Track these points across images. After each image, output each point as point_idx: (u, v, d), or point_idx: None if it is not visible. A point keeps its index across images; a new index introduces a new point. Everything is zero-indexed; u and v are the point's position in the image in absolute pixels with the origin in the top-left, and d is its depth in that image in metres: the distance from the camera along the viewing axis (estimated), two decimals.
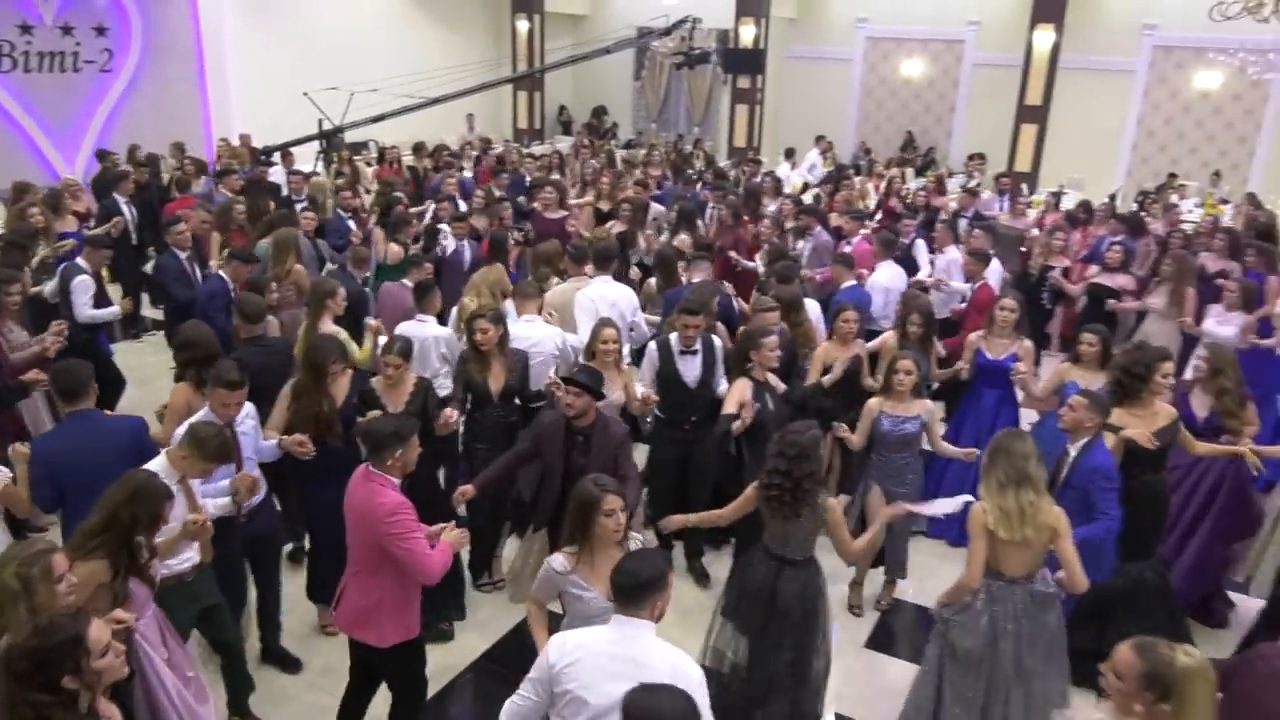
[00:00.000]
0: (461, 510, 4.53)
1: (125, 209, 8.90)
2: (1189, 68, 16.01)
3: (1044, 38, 15.44)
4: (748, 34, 17.06)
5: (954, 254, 8.21)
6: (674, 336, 5.36)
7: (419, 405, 4.70)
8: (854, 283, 7.13)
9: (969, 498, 3.98)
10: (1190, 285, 7.34)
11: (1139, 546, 4.60)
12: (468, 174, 12.50)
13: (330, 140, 12.97)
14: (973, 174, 15.93)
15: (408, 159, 13.20)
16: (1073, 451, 4.31)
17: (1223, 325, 6.74)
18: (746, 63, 17.25)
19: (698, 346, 5.30)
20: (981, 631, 3.73)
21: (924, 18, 17.79)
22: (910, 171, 16.76)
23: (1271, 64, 11.47)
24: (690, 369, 5.29)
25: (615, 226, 9.02)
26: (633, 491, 4.09)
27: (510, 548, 5.36)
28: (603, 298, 6.10)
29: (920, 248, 8.62)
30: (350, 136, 13.84)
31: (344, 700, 3.97)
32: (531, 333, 5.57)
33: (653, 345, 5.46)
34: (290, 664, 4.66)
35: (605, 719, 2.62)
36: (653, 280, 7.21)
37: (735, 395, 4.91)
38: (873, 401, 5.01)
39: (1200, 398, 5.14)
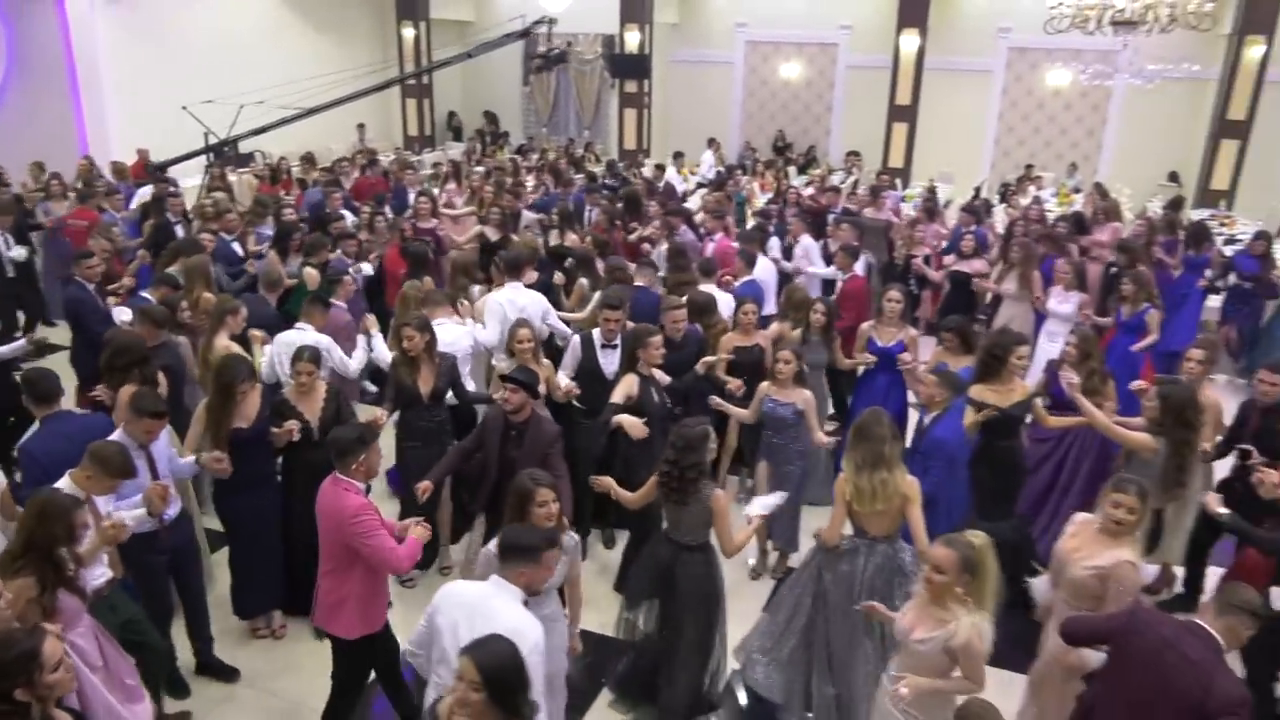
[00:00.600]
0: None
1: None
2: (1041, 67, 17.25)
3: (909, 41, 16.36)
4: (633, 39, 17.50)
5: (808, 241, 8.79)
6: (596, 331, 5.79)
7: (333, 411, 4.92)
8: (751, 277, 7.62)
9: (783, 494, 4.58)
10: (1036, 269, 8.09)
11: (997, 505, 5.19)
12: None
13: (220, 155, 12.75)
14: (852, 170, 16.86)
15: (298, 171, 13.13)
16: (926, 421, 4.87)
17: (1063, 304, 7.51)
18: (632, 67, 17.69)
19: (618, 341, 5.70)
20: (842, 575, 4.22)
21: (799, 22, 18.58)
22: (793, 170, 17.53)
23: (1105, 72, 12.50)
24: (610, 362, 5.72)
25: (488, 233, 9.26)
26: (565, 487, 4.36)
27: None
28: (511, 303, 6.38)
29: (772, 242, 9.08)
30: (244, 148, 13.65)
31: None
32: (444, 335, 5.85)
33: (576, 339, 5.89)
34: (226, 673, 4.80)
35: (450, 655, 3.02)
36: (584, 281, 7.49)
37: (623, 389, 5.27)
38: (764, 385, 5.49)
39: (1067, 375, 5.77)
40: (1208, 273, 9.20)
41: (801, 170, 17.55)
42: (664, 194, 11.90)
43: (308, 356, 4.90)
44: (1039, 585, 4.05)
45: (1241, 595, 3.07)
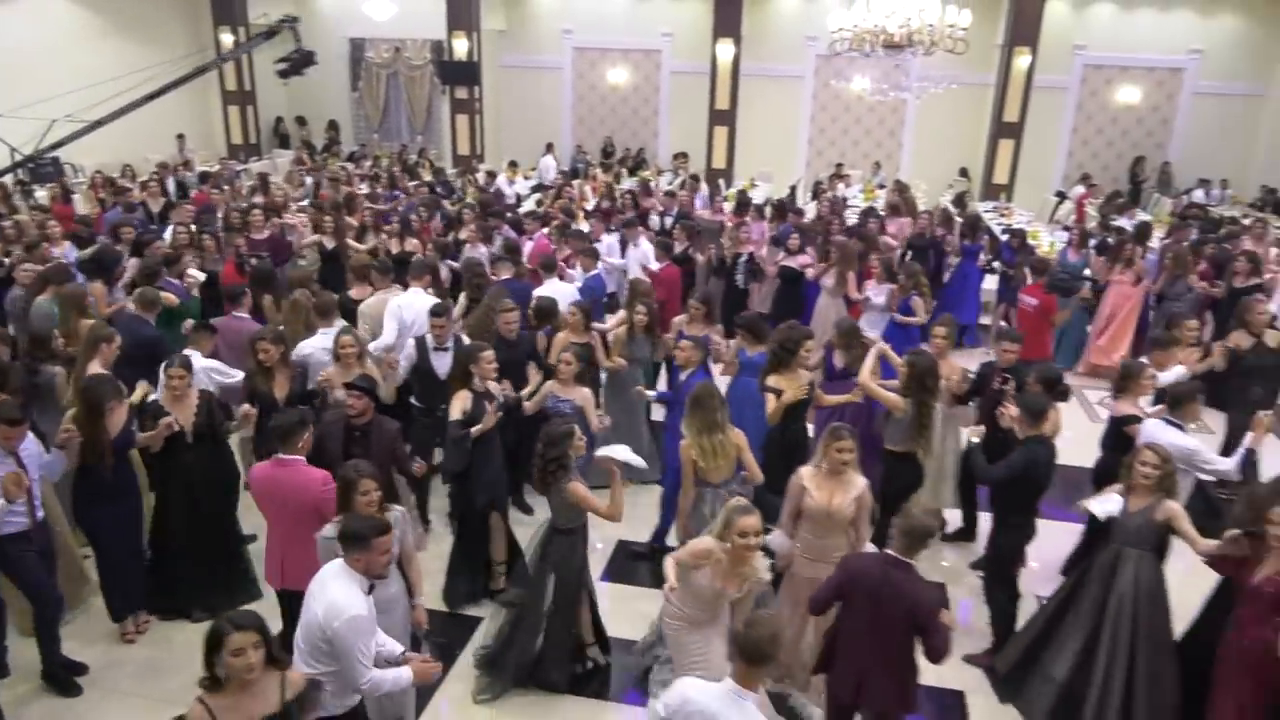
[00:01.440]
0: None
1: None
2: (845, 74, 18.66)
3: (725, 50, 17.37)
4: (461, 46, 17.71)
5: (645, 245, 9.52)
6: (429, 335, 6.27)
7: (205, 414, 5.31)
8: (596, 271, 8.35)
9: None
10: (852, 268, 9.04)
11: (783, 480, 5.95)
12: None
13: (35, 171, 12.19)
14: (679, 172, 17.75)
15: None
16: (683, 376, 6.06)
17: (877, 295, 8.49)
18: (462, 74, 17.92)
19: (449, 344, 6.23)
20: (704, 518, 4.89)
21: (623, 29, 19.34)
22: (624, 172, 18.28)
23: (899, 82, 13.82)
24: (443, 363, 6.21)
25: (325, 241, 9.49)
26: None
27: None
28: (410, 306, 6.87)
29: (606, 244, 9.77)
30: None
31: None
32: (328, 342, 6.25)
33: (411, 342, 6.37)
34: (75, 669, 4.97)
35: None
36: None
37: (457, 405, 5.50)
38: (549, 384, 6.06)
39: (844, 355, 6.63)
40: (982, 257, 10.58)
41: (632, 173, 18.31)
42: (491, 199, 12.32)
43: (179, 363, 5.25)
44: (776, 540, 4.76)
45: (907, 522, 3.83)
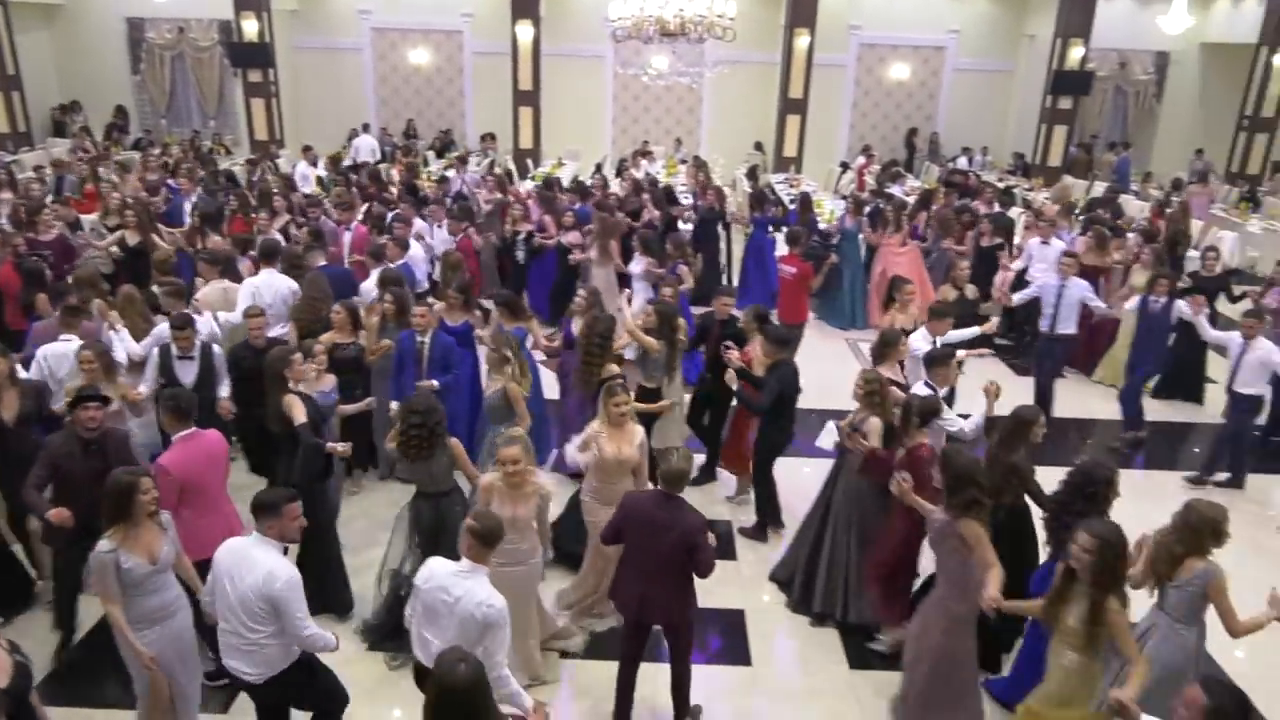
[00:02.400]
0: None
1: None
2: (644, 54, 19.28)
3: (525, 31, 17.60)
4: (250, 27, 17.09)
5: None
6: (173, 345, 6.08)
7: (31, 406, 5.41)
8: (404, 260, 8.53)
9: None
10: (614, 239, 9.58)
11: None
12: None
13: None
14: (488, 152, 17.95)
15: None
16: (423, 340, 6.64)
17: (636, 265, 9.13)
18: (254, 56, 17.30)
19: (195, 353, 6.10)
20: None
21: (422, 9, 19.20)
22: (432, 154, 18.28)
23: (694, 61, 14.54)
24: (187, 373, 6.05)
25: (128, 236, 9.14)
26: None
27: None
28: (268, 285, 7.25)
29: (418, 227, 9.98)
30: None
31: None
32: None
33: (155, 351, 6.13)
34: None
35: (230, 597, 3.78)
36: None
37: (297, 414, 5.38)
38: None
39: (579, 322, 6.97)
40: (779, 231, 11.47)
41: (439, 154, 18.33)
42: (289, 186, 12.16)
43: None
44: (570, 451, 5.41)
45: (667, 468, 4.43)
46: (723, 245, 12.04)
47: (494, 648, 3.65)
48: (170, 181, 12.24)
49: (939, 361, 5.93)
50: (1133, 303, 8.45)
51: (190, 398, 4.99)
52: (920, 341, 6.63)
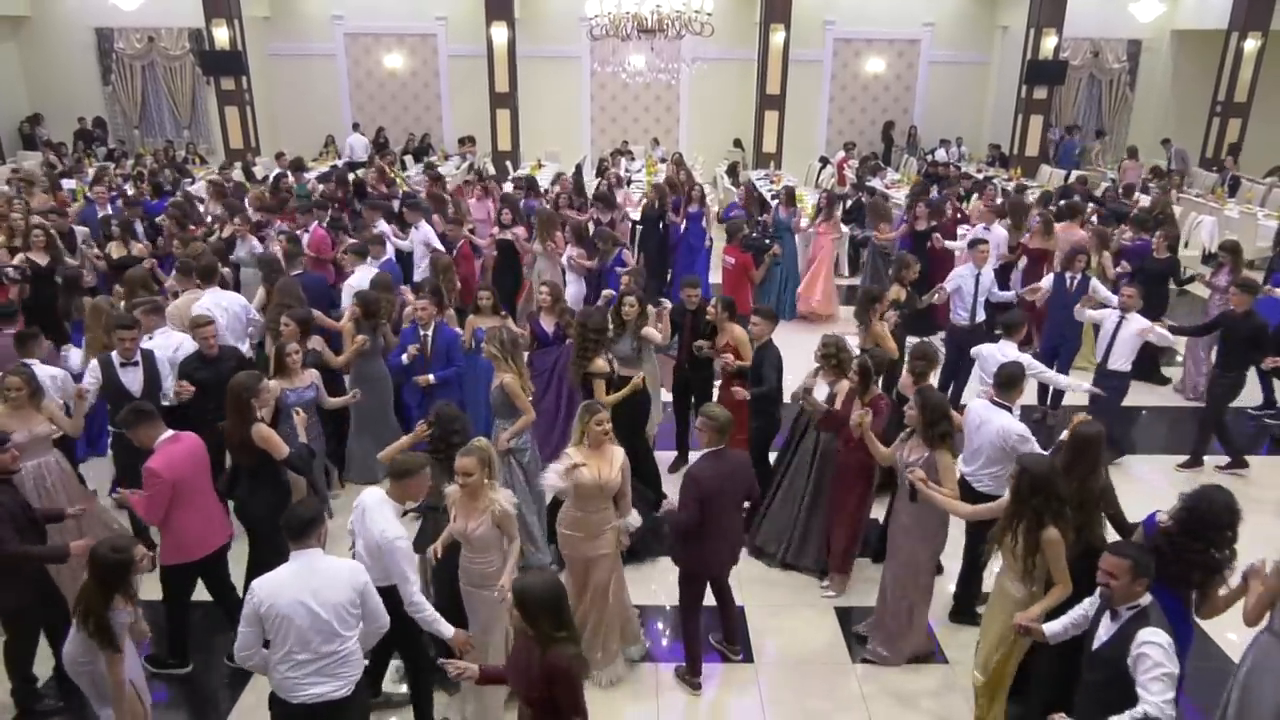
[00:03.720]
0: None
1: None
2: (621, 52, 19.24)
3: (500, 32, 17.51)
4: (222, 35, 16.91)
5: (425, 227, 9.72)
6: (115, 352, 5.82)
7: None
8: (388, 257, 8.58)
9: None
10: (557, 230, 9.37)
11: None
12: None
13: None
14: (465, 156, 17.82)
15: None
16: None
17: (567, 254, 9.07)
18: (225, 64, 17.13)
19: (138, 359, 5.85)
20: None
21: (396, 13, 19.07)
22: (410, 159, 18.14)
23: (672, 59, 14.44)
24: (133, 380, 5.82)
25: (35, 257, 8.44)
26: None
27: None
28: (216, 304, 6.97)
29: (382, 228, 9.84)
30: None
31: None
32: (170, 341, 6.32)
33: (95, 361, 5.88)
34: None
35: (292, 617, 3.62)
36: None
37: (275, 446, 5.12)
38: (272, 383, 5.80)
39: (547, 318, 7.07)
40: (705, 224, 11.41)
41: (417, 158, 18.18)
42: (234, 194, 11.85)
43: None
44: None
45: (707, 420, 4.69)
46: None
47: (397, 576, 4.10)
48: (146, 198, 12.00)
49: (1014, 382, 5.29)
50: (1047, 281, 8.27)
51: (148, 405, 4.89)
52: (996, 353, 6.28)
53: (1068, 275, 8.00)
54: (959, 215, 11.21)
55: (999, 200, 10.52)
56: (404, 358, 6.55)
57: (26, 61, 18.77)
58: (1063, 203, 11.04)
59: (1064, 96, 19.89)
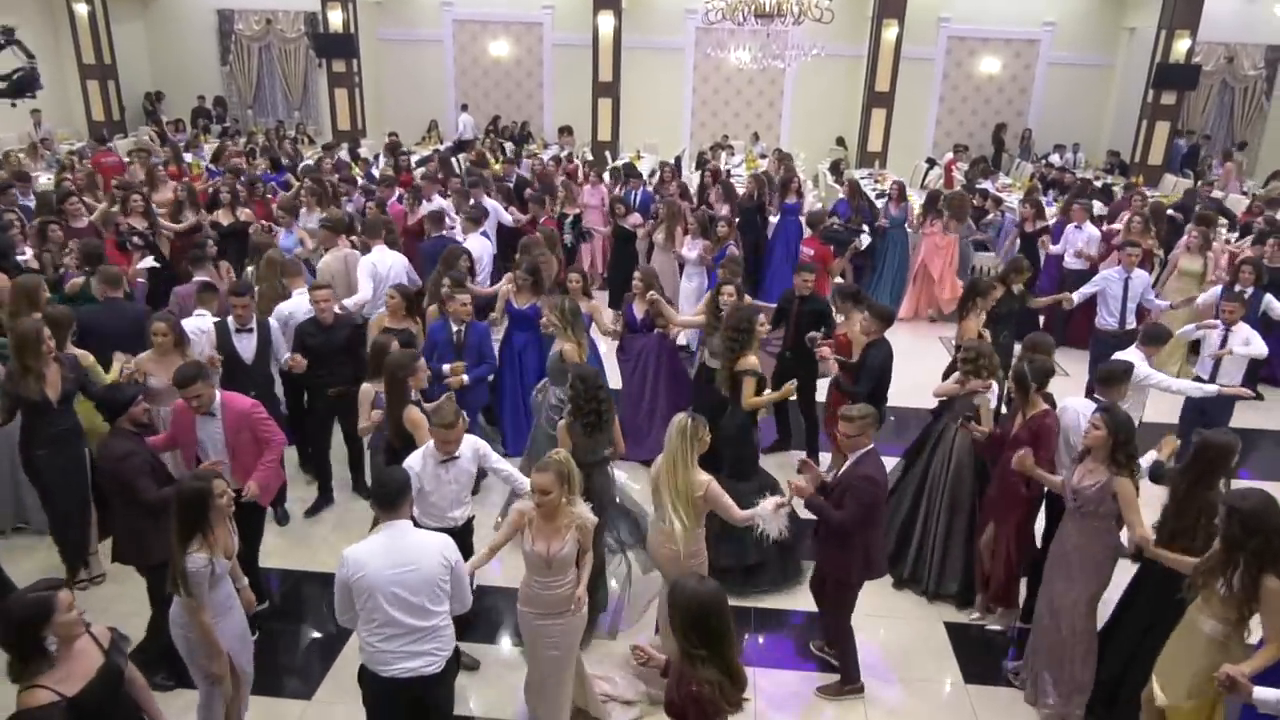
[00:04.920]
0: None
1: None
2: (725, 46, 19.01)
3: (606, 21, 17.44)
4: (336, 18, 17.27)
5: (489, 201, 9.81)
6: (231, 318, 5.92)
7: (72, 385, 5.25)
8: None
9: None
10: (679, 225, 9.27)
11: None
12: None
13: None
14: (564, 146, 17.80)
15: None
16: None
17: (690, 250, 8.90)
18: (338, 46, 17.49)
19: (252, 325, 5.90)
20: None
21: (504, 1, 19.17)
22: (510, 146, 18.21)
23: (776, 52, 14.11)
24: (246, 347, 5.89)
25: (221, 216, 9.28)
26: None
27: None
28: (382, 261, 7.41)
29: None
30: None
31: None
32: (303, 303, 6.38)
33: (210, 324, 5.97)
34: None
35: (382, 589, 3.54)
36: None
37: (422, 434, 5.01)
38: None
39: (639, 305, 7.03)
40: (802, 217, 10.95)
41: (518, 146, 18.24)
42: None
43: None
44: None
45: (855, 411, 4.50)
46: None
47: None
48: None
49: (1116, 379, 5.20)
50: (1212, 293, 7.81)
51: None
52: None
53: (1236, 287, 7.52)
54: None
55: (1146, 210, 9.97)
56: (445, 368, 6.10)
57: (151, 40, 19.54)
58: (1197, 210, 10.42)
59: (1192, 104, 18.81)
